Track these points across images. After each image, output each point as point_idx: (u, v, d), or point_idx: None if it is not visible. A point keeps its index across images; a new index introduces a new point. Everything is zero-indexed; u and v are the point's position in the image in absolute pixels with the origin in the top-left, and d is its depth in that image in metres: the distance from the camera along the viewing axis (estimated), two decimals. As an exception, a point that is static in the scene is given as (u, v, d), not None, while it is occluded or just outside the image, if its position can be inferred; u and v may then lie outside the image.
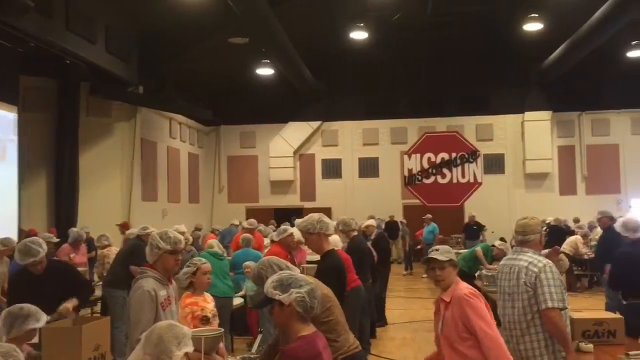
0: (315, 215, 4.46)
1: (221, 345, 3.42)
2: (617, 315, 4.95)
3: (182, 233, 8.42)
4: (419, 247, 16.97)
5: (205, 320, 4.51)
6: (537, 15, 15.14)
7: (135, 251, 7.32)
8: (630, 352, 3.84)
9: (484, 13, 16.49)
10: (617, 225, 6.15)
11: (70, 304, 4.91)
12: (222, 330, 3.47)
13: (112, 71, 13.43)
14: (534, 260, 3.52)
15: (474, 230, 16.73)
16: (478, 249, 9.39)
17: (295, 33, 15.29)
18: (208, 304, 4.67)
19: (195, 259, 5.07)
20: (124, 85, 14.39)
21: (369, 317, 7.88)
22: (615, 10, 12.88)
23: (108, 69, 13.24)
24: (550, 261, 3.57)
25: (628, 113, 19.60)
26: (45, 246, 5.01)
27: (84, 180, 13.83)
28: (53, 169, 13.64)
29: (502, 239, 11.41)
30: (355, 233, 8.12)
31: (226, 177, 21.40)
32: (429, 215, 16.73)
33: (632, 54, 16.86)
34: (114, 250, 8.30)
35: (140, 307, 3.46)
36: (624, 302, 5.55)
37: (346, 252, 7.58)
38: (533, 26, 15.52)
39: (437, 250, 3.55)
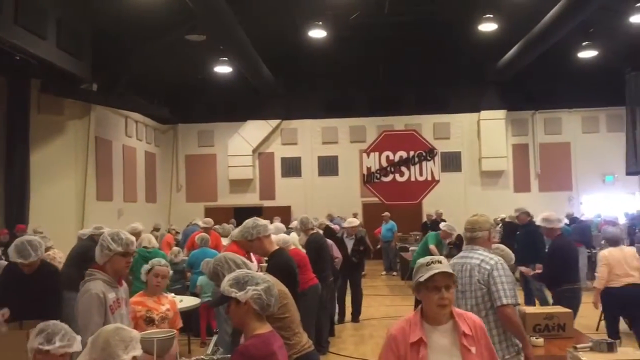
0: (249, 222, 4.41)
1: (175, 346, 3.36)
2: (567, 310, 5.08)
3: (138, 233, 8.28)
4: (378, 246, 17.08)
5: (149, 321, 4.43)
6: (491, 15, 15.41)
7: (88, 252, 7.14)
8: (578, 345, 3.94)
9: (441, 13, 16.71)
10: (539, 220, 6.59)
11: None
12: (175, 332, 3.41)
13: (64, 68, 13.06)
14: (485, 258, 3.57)
15: (429, 228, 16.87)
16: (432, 246, 9.41)
17: (254, 31, 15.19)
18: (161, 305, 4.59)
19: (155, 259, 4.99)
20: (76, 82, 14.03)
21: (328, 315, 7.89)
22: (566, 11, 13.24)
23: (60, 66, 12.87)
24: (501, 258, 3.62)
25: (579, 112, 20.16)
26: (41, 250, 4.99)
27: (35, 180, 13.42)
28: (3, 168, 13.20)
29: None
30: (314, 231, 8.12)
31: (184, 176, 21.13)
32: (387, 213, 16.88)
33: (583, 54, 17.34)
34: (58, 253, 8.03)
35: (89, 310, 3.37)
36: (558, 289, 5.80)
37: (305, 250, 7.61)
38: (488, 26, 15.79)
39: (440, 262, 2.70)
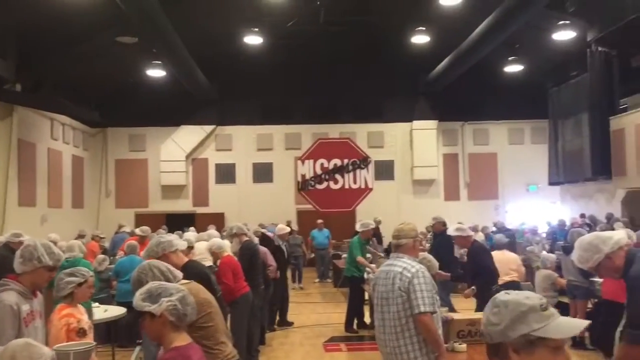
0: (153, 241, 4.37)
1: (93, 358, 3.24)
2: (489, 315, 5.23)
3: (54, 243, 7.96)
4: (312, 255, 17.11)
5: (82, 333, 4.27)
6: (424, 28, 15.86)
7: (3, 261, 6.80)
8: (498, 351, 4.07)
9: (375, 23, 17.01)
10: (451, 230, 7.34)
11: None
12: (94, 343, 3.29)
13: (-15, 66, 12.45)
14: (407, 265, 3.64)
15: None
16: (359, 258, 9.41)
17: (189, 35, 14.97)
18: (83, 315, 4.42)
19: (82, 269, 4.79)
20: (-1, 82, 13.40)
21: (258, 323, 7.83)
22: (493, 27, 13.77)
23: (-20, 64, 12.26)
24: (423, 266, 3.69)
25: (505, 124, 20.96)
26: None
27: (-49, 184, 12.69)
28: None
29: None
30: (246, 238, 8.05)
31: (114, 181, 20.50)
32: (321, 221, 16.93)
33: (509, 68, 18.08)
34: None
35: (1, 322, 3.20)
36: (492, 288, 6.03)
37: (238, 257, 7.53)
38: (420, 39, 16.25)
39: (548, 306, 1.85)
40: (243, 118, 20.43)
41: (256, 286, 7.35)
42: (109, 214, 19.73)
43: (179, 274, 3.65)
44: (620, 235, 3.21)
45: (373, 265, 9.32)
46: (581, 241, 3.25)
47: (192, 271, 4.32)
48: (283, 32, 16.71)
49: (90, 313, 6.40)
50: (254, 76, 19.37)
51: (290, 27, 16.39)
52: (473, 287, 6.12)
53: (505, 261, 7.71)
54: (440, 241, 9.21)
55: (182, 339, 2.62)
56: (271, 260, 8.64)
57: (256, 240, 8.72)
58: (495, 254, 7.59)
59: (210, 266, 8.14)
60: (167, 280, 3.44)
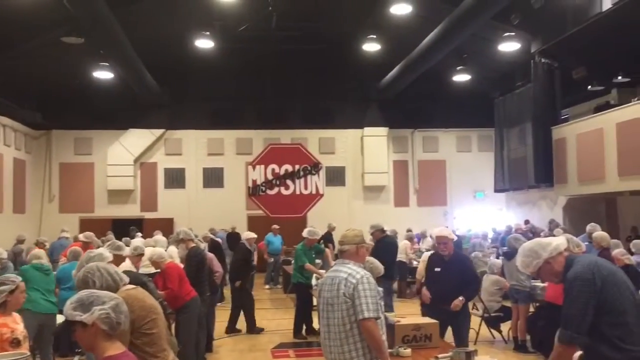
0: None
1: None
2: (433, 321, 5.33)
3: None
4: (271, 259, 16.92)
5: (15, 343, 4.11)
6: (375, 36, 16.04)
7: None
8: (440, 355, 4.14)
9: (327, 30, 17.12)
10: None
11: None
12: (27, 353, 3.17)
13: None
14: (352, 272, 3.65)
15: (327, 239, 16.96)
16: (307, 265, 9.41)
17: (138, 37, 14.71)
18: (18, 325, 4.26)
19: (11, 275, 4.61)
20: None
21: (205, 330, 7.72)
22: (442, 37, 14.06)
23: None
24: (368, 273, 3.71)
25: (454, 132, 21.40)
26: None
27: None
28: None
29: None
30: (193, 244, 7.93)
31: (58, 185, 19.88)
32: (276, 226, 16.82)
33: (457, 78, 18.48)
34: None
35: None
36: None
37: (184, 263, 7.42)
38: (371, 46, 16.43)
39: None
40: (193, 122, 20.16)
41: (202, 293, 7.25)
42: (53, 219, 19.10)
43: (126, 277, 3.58)
44: (560, 241, 3.32)
45: (322, 272, 9.33)
46: (523, 247, 3.36)
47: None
48: (235, 36, 16.62)
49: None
50: (205, 80, 19.19)
51: (242, 32, 16.31)
52: (461, 298, 5.80)
53: None
54: (380, 247, 9.32)
55: (116, 348, 2.55)
56: (217, 267, 8.55)
57: (203, 246, 8.61)
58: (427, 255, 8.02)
59: (153, 273, 8.00)
60: (114, 282, 3.37)
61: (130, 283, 3.57)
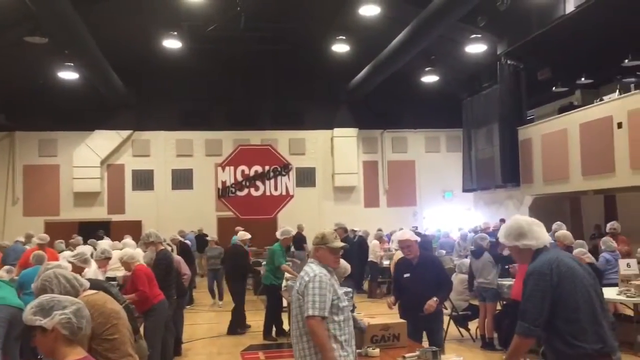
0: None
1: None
2: (402, 321, 5.35)
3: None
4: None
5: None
6: (344, 37, 16.10)
7: None
8: (407, 355, 4.16)
9: (297, 31, 17.11)
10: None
11: None
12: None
13: None
14: (309, 270, 3.68)
15: (298, 241, 16.94)
16: (284, 266, 9.40)
17: (104, 37, 14.49)
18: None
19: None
20: None
21: (172, 334, 7.63)
22: (410, 38, 14.18)
23: None
24: (324, 271, 3.67)
25: (423, 132, 21.60)
26: None
27: None
28: None
29: None
30: (162, 247, 7.83)
31: (22, 187, 19.44)
32: (240, 228, 16.68)
33: (426, 79, 18.66)
34: None
35: None
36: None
37: (152, 267, 7.31)
38: (340, 47, 16.50)
39: None
40: (161, 123, 19.94)
41: (169, 296, 7.16)
42: (16, 223, 18.67)
43: (86, 282, 3.50)
44: (544, 240, 3.38)
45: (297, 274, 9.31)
46: (517, 221, 3.39)
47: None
48: (203, 36, 16.50)
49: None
50: (173, 81, 19.00)
51: (211, 32, 16.19)
52: (435, 298, 5.58)
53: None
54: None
55: (77, 353, 2.50)
56: (185, 269, 8.46)
57: (171, 248, 8.51)
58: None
59: (112, 278, 7.88)
60: (73, 288, 3.30)
61: (91, 288, 3.50)
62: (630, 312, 8.45)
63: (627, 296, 7.86)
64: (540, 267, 3.16)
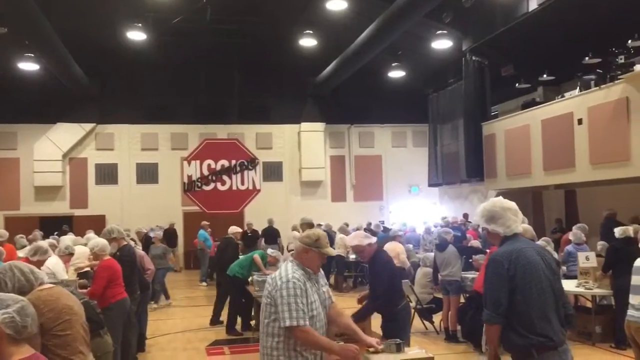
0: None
1: None
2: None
3: None
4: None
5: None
6: (311, 32, 16.08)
7: None
8: (371, 348, 4.18)
9: (264, 25, 17.00)
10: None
11: None
12: None
13: None
14: (283, 272, 3.51)
15: (250, 238, 16.96)
16: (256, 255, 9.43)
17: (66, 27, 14.19)
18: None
19: None
20: None
21: (136, 331, 7.52)
22: (376, 33, 14.23)
23: None
24: (299, 274, 3.49)
25: (389, 127, 21.74)
26: None
27: None
28: None
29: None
30: (125, 243, 7.70)
31: (-20, 182, 18.92)
32: (206, 222, 16.61)
33: (393, 74, 18.79)
34: None
35: None
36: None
37: (117, 262, 7.19)
38: (308, 42, 16.46)
39: None
40: (126, 116, 19.61)
41: (132, 292, 7.06)
42: (-26, 218, 18.19)
43: (43, 275, 3.42)
44: (517, 229, 3.45)
45: (268, 271, 9.27)
46: (494, 203, 3.44)
47: None
48: (168, 29, 16.27)
49: None
50: (138, 73, 18.69)
51: (176, 24, 15.98)
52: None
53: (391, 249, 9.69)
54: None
55: (23, 352, 2.43)
56: (148, 264, 8.36)
57: (133, 243, 8.38)
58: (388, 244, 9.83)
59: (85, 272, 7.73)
60: (28, 281, 3.22)
61: None
62: (589, 304, 8.68)
63: (586, 288, 8.07)
64: (499, 256, 3.25)
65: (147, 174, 19.97)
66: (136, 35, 15.78)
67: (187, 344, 8.70)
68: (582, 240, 9.40)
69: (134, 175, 19.89)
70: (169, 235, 18.79)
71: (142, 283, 7.81)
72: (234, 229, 10.99)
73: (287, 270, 3.54)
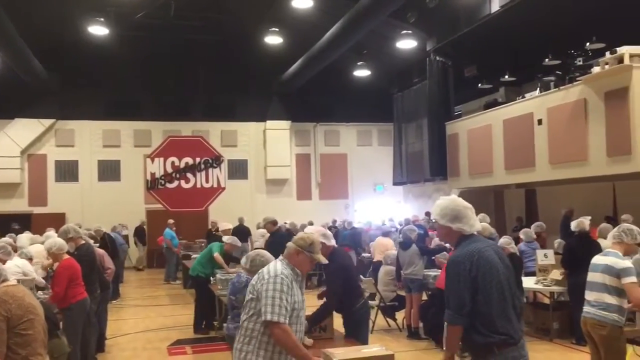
0: None
1: None
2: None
3: None
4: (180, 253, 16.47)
5: None
6: (277, 29, 16.02)
7: None
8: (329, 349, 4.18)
9: (229, 22, 16.88)
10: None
11: None
12: None
13: None
14: (272, 268, 3.50)
15: (214, 237, 16.83)
16: (216, 254, 9.28)
17: (24, 20, 13.82)
18: None
19: None
20: None
21: (95, 331, 7.39)
22: (342, 32, 14.27)
23: None
24: (287, 272, 3.48)
25: (355, 126, 21.83)
26: None
27: None
28: None
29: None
30: (83, 242, 7.55)
31: None
32: (171, 220, 16.42)
33: (358, 73, 18.87)
34: None
35: None
36: None
37: (77, 261, 7.04)
38: (273, 39, 16.41)
39: None
40: (87, 112, 19.21)
41: (92, 291, 6.93)
42: None
43: (7, 274, 3.35)
44: (476, 227, 3.45)
45: (230, 268, 9.20)
46: (454, 201, 3.44)
47: None
48: (131, 24, 16.02)
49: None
50: (100, 68, 18.33)
51: (139, 19, 15.75)
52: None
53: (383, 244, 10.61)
54: (273, 240, 9.35)
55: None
56: (109, 263, 8.21)
57: (92, 241, 8.22)
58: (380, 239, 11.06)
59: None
60: None
61: None
62: (547, 300, 8.88)
63: (544, 285, 8.25)
64: (461, 257, 3.26)
65: (109, 171, 19.61)
66: (98, 30, 15.48)
67: (147, 344, 8.58)
68: (532, 238, 9.64)
69: (95, 173, 19.51)
70: (140, 233, 18.55)
71: (102, 282, 7.67)
72: (224, 226, 10.76)
73: (277, 266, 3.53)
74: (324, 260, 3.69)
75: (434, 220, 3.50)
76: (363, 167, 21.57)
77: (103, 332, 8.10)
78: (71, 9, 15.23)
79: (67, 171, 19.28)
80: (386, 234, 12.21)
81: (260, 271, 3.59)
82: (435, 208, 3.47)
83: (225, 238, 9.52)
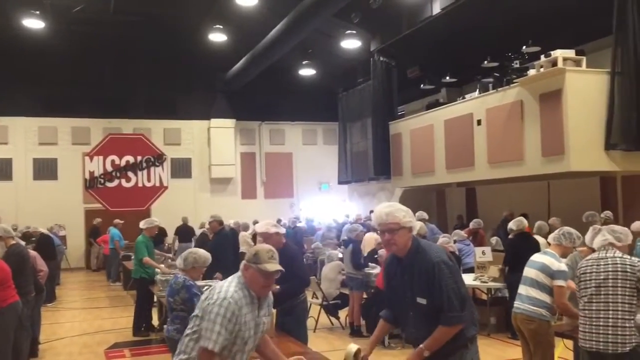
0: None
1: None
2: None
3: None
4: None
5: None
6: (221, 26, 15.84)
7: None
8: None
9: (171, 18, 16.57)
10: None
11: None
12: None
13: None
14: (224, 287, 3.16)
15: (157, 236, 16.48)
16: (145, 258, 8.97)
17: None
18: None
19: None
20: None
21: (28, 335, 7.10)
22: (286, 30, 14.26)
23: None
24: (239, 296, 3.10)
25: (300, 125, 21.84)
26: None
27: None
28: None
29: None
30: (13, 242, 7.24)
31: None
32: (118, 220, 15.96)
33: (303, 72, 18.88)
34: None
35: None
36: None
37: (6, 263, 6.76)
38: (218, 36, 16.21)
39: None
40: (22, 108, 18.46)
41: (25, 294, 6.66)
42: None
43: None
44: (417, 225, 3.59)
45: (162, 266, 9.04)
46: (399, 206, 3.40)
47: None
48: (69, 18, 15.50)
49: None
50: (36, 63, 17.63)
51: (77, 13, 15.26)
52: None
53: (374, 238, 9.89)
54: (217, 240, 9.26)
55: None
56: (42, 265, 7.90)
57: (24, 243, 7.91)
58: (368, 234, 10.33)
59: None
60: None
61: None
62: (484, 296, 9.12)
63: (482, 282, 8.47)
64: (443, 255, 3.24)
65: (46, 169, 18.92)
66: (33, 24, 14.91)
67: (84, 348, 8.32)
68: (463, 237, 9.93)
69: (30, 171, 18.79)
70: (94, 233, 17.86)
71: (36, 285, 7.38)
72: (145, 223, 10.26)
73: (230, 286, 3.17)
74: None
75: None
76: (308, 166, 21.60)
77: (36, 337, 7.80)
78: (5, 2, 14.60)
79: (0, 170, 18.49)
80: (330, 230, 12.29)
81: (212, 287, 3.30)
82: (380, 214, 3.33)
83: (141, 224, 9.24)
